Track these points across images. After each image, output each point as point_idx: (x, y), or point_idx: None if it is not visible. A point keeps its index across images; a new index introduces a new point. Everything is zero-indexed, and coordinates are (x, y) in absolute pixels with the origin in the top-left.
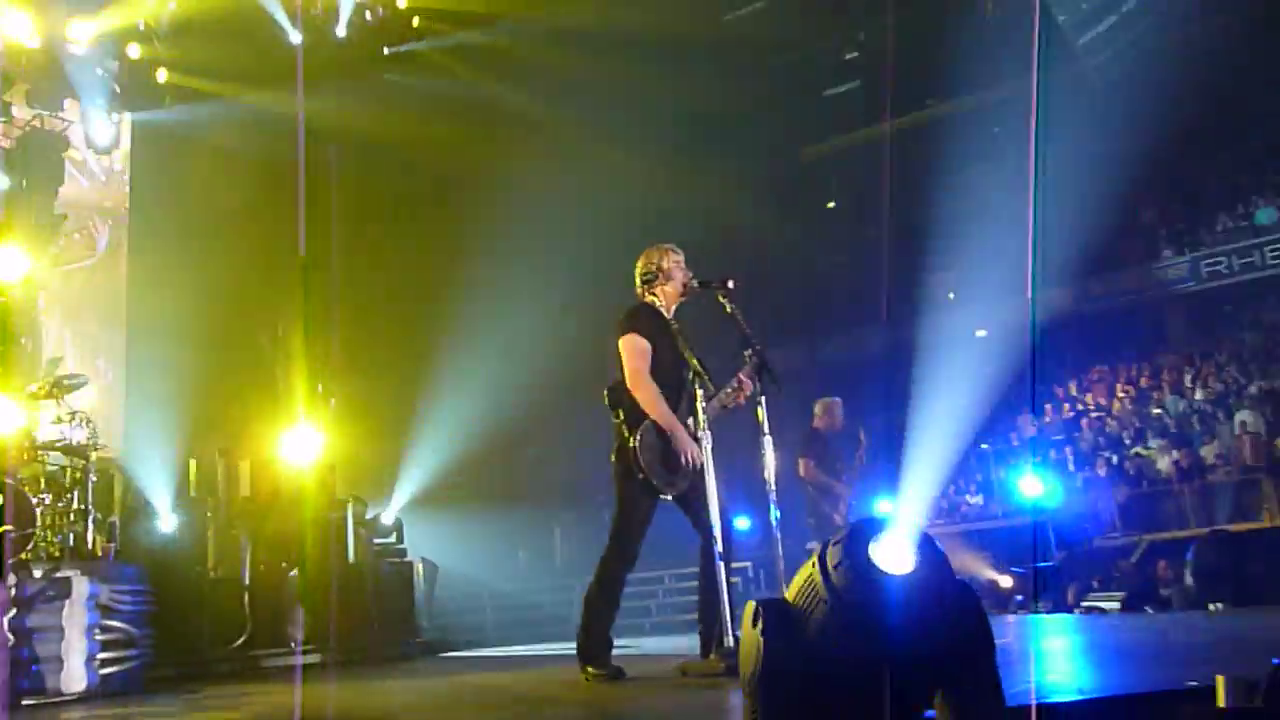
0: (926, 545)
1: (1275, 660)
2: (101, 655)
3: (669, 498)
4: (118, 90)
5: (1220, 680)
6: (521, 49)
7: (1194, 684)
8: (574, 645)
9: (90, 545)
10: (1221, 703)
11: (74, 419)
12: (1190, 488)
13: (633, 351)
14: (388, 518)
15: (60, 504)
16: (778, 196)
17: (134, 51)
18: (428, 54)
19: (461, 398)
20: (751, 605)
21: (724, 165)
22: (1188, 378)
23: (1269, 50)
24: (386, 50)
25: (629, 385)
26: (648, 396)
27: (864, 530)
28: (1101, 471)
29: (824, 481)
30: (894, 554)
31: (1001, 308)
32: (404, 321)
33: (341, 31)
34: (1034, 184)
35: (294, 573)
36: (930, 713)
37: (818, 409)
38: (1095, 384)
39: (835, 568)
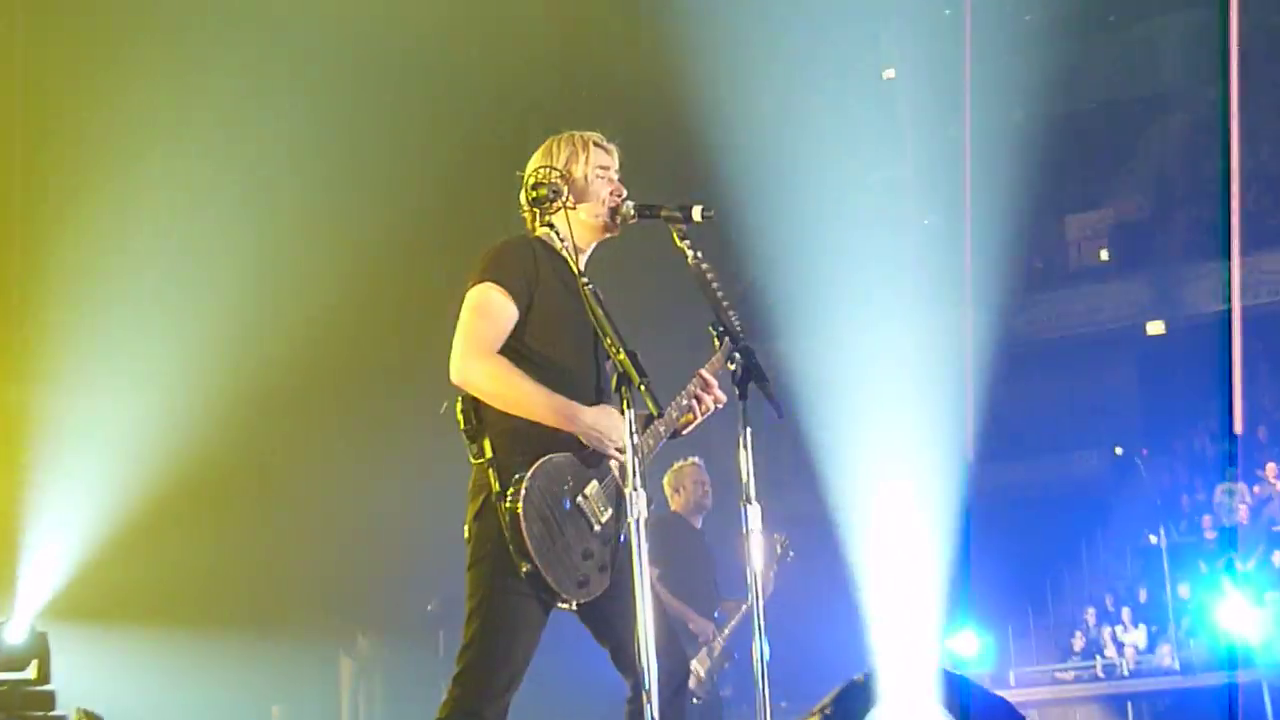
0: None
1: None
2: None
3: (572, 607)
4: None
5: None
6: None
7: None
8: None
9: None
10: None
11: None
12: None
13: (474, 308)
14: (17, 636)
15: None
16: None
17: None
18: None
19: (151, 429)
20: None
21: None
22: None
23: None
24: None
25: (452, 364)
26: (489, 372)
27: None
28: None
29: (678, 610)
30: None
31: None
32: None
33: None
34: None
35: None
36: None
37: (667, 480)
38: None
39: None
